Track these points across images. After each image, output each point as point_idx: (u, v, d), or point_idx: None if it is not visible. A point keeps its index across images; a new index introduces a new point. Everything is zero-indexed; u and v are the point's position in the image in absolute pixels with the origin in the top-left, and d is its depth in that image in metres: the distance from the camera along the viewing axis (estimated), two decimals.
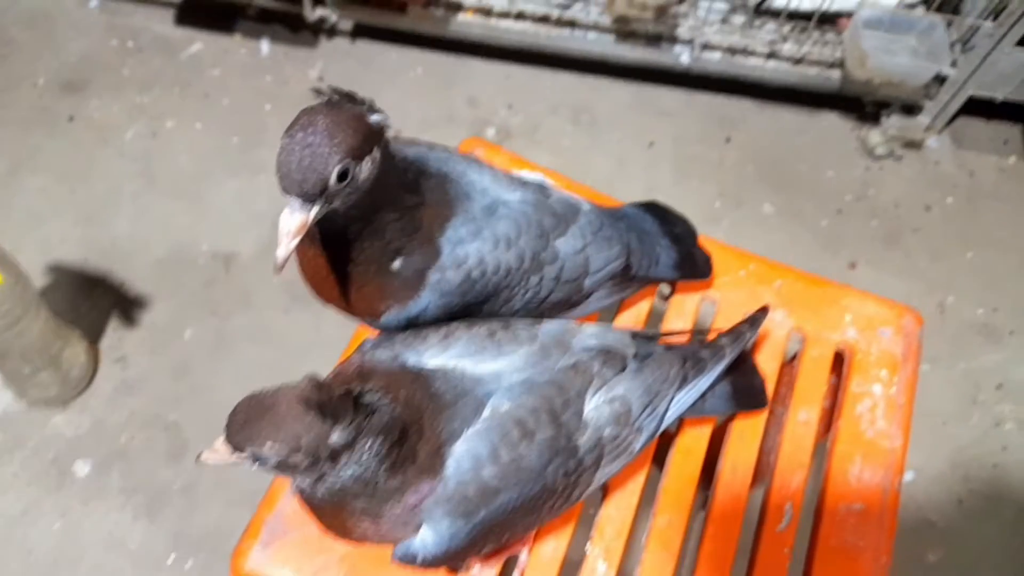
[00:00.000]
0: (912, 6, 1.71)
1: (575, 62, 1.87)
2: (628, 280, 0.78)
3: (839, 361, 0.88)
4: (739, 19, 1.78)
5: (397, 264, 0.63)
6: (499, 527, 0.62)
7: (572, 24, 1.77)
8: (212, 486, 1.39)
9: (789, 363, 0.89)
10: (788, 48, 1.75)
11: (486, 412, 0.61)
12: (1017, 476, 1.52)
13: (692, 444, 0.81)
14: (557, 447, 0.63)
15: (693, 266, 0.84)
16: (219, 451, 0.55)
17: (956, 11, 1.69)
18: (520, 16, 1.76)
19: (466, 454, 0.60)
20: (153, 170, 1.69)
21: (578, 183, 0.94)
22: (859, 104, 1.90)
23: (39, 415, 1.42)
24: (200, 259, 1.60)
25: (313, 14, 1.78)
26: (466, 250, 0.65)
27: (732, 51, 1.77)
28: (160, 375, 1.48)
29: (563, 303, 0.73)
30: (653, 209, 0.84)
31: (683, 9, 1.72)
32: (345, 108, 0.55)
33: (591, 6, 1.74)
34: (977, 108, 1.84)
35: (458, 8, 1.76)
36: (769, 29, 1.76)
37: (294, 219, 0.54)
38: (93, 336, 1.49)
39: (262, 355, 1.51)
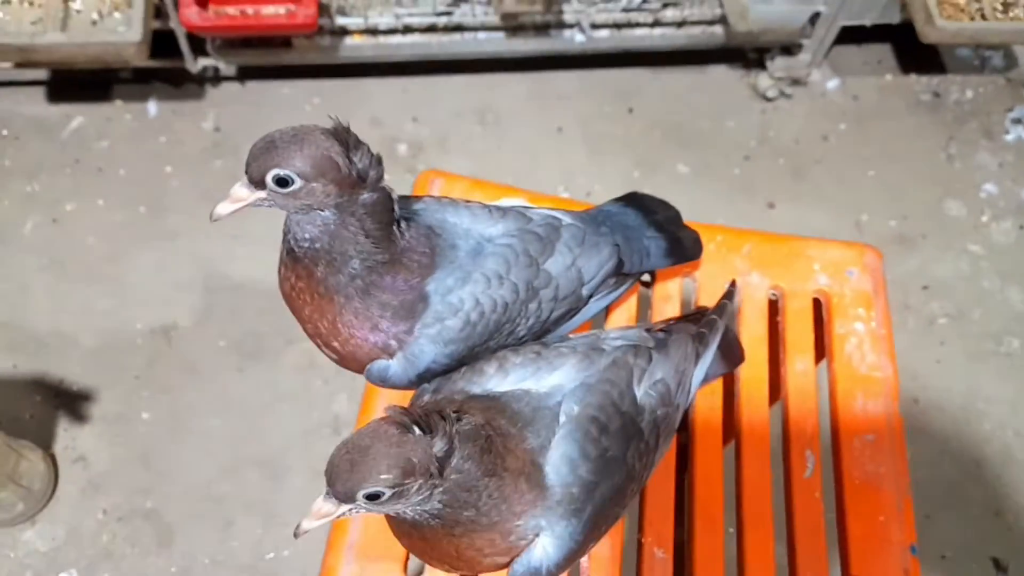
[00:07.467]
0: None
1: (468, 64, 1.88)
2: (623, 276, 0.80)
3: (818, 308, 0.92)
4: None
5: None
6: (600, 519, 0.66)
7: (460, 28, 1.77)
8: (209, 565, 1.35)
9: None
10: (671, 14, 1.80)
11: (562, 419, 0.65)
12: (959, 365, 1.63)
13: (708, 415, 0.84)
14: (629, 434, 0.67)
15: (683, 249, 0.86)
16: (322, 510, 0.55)
17: None
18: (408, 30, 1.75)
19: (561, 459, 0.63)
20: (62, 258, 1.61)
21: (553, 196, 0.97)
22: (743, 54, 1.98)
23: (8, 536, 1.35)
24: (137, 339, 1.54)
25: (196, 65, 1.72)
26: (459, 295, 0.66)
27: (618, 26, 1.81)
28: (125, 466, 1.42)
29: (565, 315, 0.75)
30: (633, 201, 0.85)
31: None
32: (319, 139, 0.59)
33: (476, 7, 1.75)
34: (848, 36, 1.94)
35: (344, 33, 1.73)
36: None
37: (239, 190, 0.61)
38: (45, 443, 1.42)
39: (225, 422, 1.47)
